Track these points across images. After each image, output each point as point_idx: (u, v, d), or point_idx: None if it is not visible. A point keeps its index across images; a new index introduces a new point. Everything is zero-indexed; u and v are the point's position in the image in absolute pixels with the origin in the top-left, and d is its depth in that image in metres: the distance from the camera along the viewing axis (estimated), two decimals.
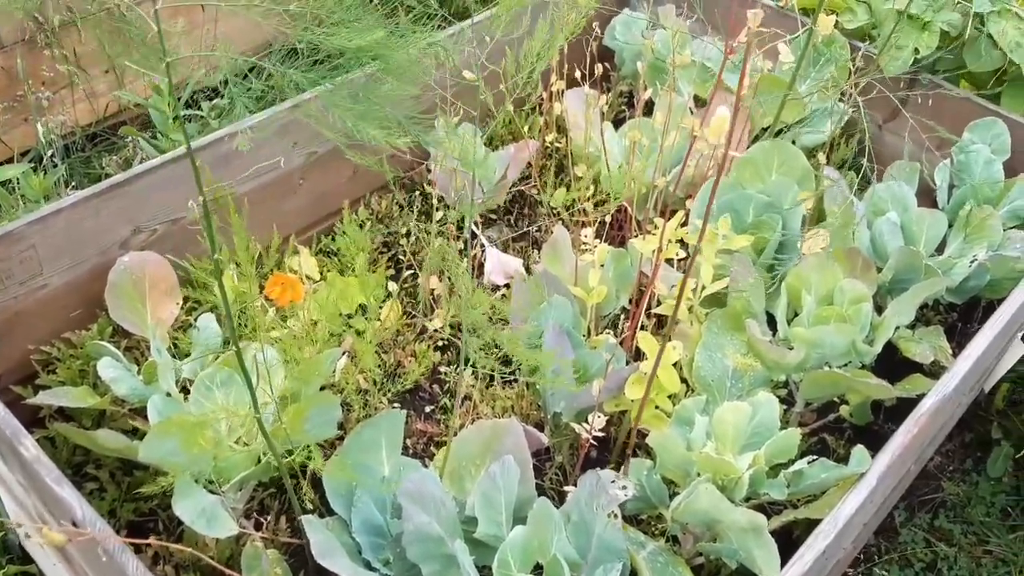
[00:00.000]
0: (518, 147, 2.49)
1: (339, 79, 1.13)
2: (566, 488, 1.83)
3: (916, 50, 2.40)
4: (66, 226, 1.91)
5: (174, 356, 1.92)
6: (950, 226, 2.29)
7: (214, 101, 3.00)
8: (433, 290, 2.23)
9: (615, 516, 1.51)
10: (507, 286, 2.30)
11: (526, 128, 2.64)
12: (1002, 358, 2.17)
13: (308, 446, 1.53)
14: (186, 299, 2.07)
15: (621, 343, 2.04)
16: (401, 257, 2.42)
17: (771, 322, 2.08)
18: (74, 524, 1.37)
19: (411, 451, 2.02)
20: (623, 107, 2.90)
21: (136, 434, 1.78)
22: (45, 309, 1.94)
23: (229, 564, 1.72)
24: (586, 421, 1.78)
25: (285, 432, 1.54)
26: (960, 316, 2.39)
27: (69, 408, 1.88)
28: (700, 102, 2.68)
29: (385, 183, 2.51)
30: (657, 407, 1.84)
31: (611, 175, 2.38)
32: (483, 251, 2.38)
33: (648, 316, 2.14)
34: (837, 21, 2.28)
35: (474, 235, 2.46)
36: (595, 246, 2.00)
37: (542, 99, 2.59)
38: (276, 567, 1.64)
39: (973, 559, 2.15)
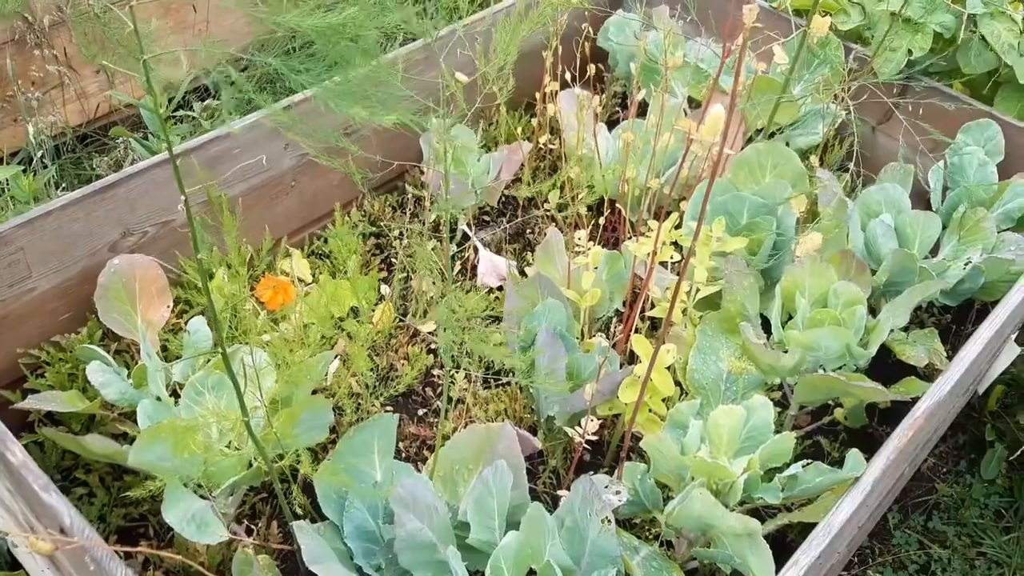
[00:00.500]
0: (511, 148, 2.48)
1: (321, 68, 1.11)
2: (559, 492, 1.82)
3: (909, 51, 2.40)
4: (56, 228, 1.89)
5: (165, 359, 1.90)
6: (944, 228, 2.29)
7: (206, 102, 2.98)
8: (426, 292, 2.22)
9: (609, 521, 1.50)
10: (501, 288, 2.29)
11: (519, 129, 2.63)
12: (996, 360, 2.17)
13: (298, 451, 1.51)
14: (177, 301, 2.05)
15: (614, 346, 2.03)
16: (393, 259, 2.40)
17: (765, 325, 2.07)
18: (62, 531, 1.36)
19: (404, 455, 2.01)
20: (617, 108, 2.90)
21: (126, 438, 1.77)
22: (34, 312, 1.93)
23: (220, 570, 1.71)
24: (579, 425, 1.77)
25: (276, 436, 1.53)
26: (954, 318, 2.39)
27: (58, 412, 1.86)
28: (694, 103, 2.67)
29: (378, 185, 2.50)
30: (651, 411, 1.83)
31: (604, 177, 2.37)
32: (476, 253, 2.37)
33: (642, 319, 2.13)
34: (831, 23, 2.27)
35: (467, 237, 2.45)
36: (589, 248, 1.99)
37: (535, 100, 2.58)
38: (267, 573, 1.63)
39: (967, 561, 2.15)
